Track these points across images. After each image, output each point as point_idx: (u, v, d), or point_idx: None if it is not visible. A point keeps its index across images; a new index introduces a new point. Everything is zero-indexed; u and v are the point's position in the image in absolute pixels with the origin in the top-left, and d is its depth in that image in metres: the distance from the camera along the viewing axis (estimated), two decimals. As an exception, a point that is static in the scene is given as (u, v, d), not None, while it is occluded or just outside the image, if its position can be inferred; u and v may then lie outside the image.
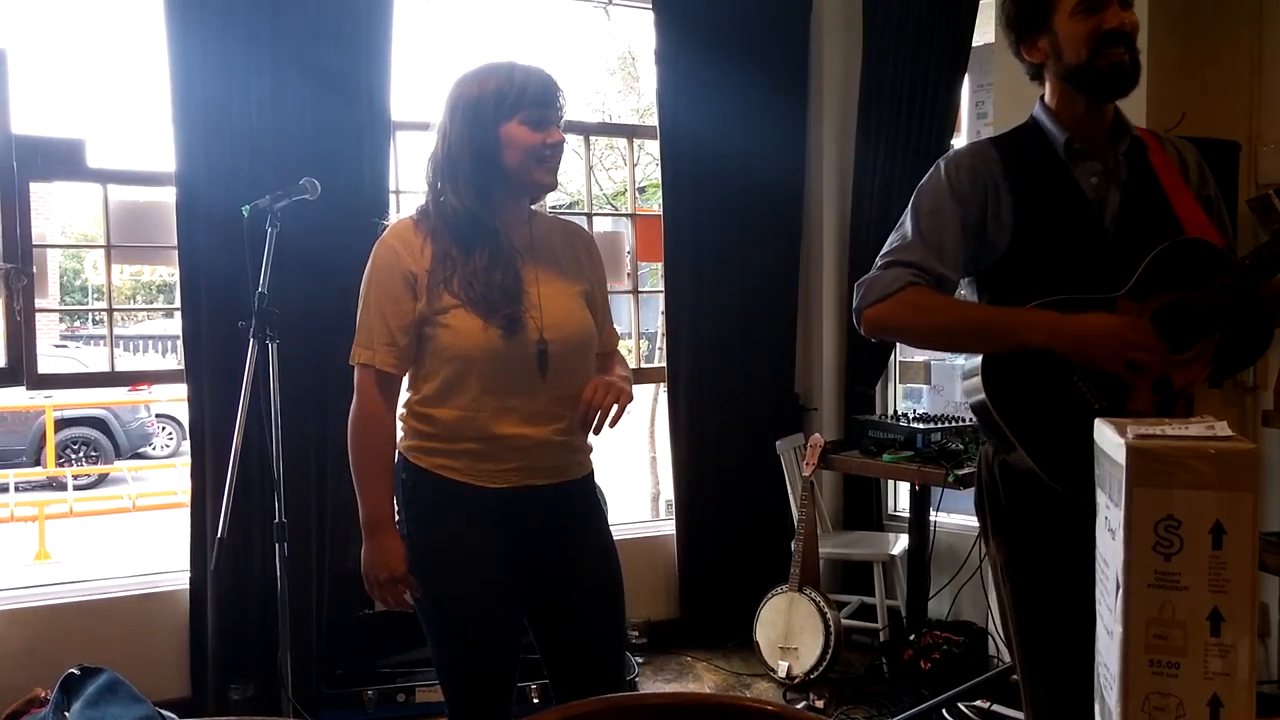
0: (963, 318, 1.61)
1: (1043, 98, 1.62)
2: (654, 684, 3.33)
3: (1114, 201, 1.56)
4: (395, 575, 1.63)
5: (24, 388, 3.08)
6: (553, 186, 1.67)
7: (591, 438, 1.68)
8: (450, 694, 1.70)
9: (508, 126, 1.58)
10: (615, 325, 1.86)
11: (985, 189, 1.59)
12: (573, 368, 1.66)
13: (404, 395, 1.70)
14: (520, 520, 1.65)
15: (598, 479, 1.83)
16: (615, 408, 1.58)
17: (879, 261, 1.65)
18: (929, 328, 1.63)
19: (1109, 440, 0.86)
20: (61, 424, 8.07)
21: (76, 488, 7.48)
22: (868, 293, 1.62)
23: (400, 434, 1.69)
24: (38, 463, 8.37)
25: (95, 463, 8.59)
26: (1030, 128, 1.62)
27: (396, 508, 1.69)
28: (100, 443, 8.85)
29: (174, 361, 6.92)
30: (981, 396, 1.55)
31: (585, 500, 1.75)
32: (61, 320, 12.84)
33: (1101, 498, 0.90)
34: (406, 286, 1.60)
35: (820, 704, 3.09)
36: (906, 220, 1.64)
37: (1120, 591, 0.81)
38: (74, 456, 8.43)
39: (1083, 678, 1.32)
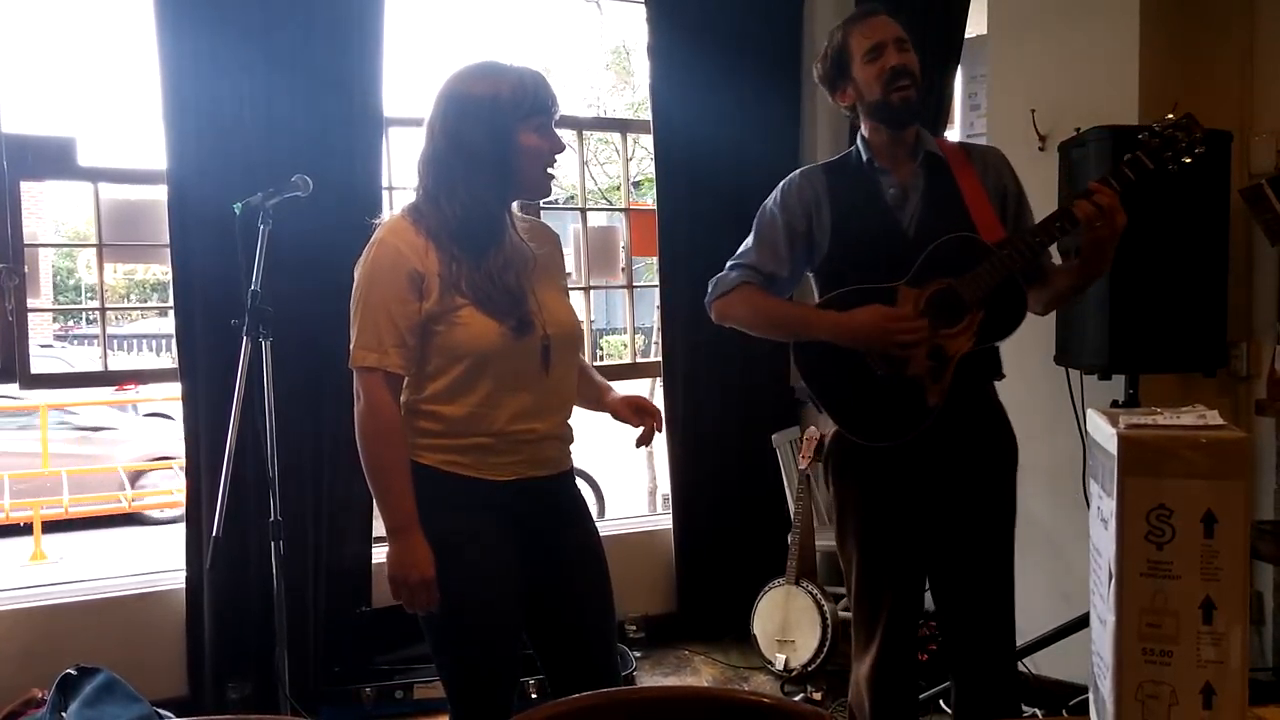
0: (776, 315, 2.00)
1: (861, 130, 1.98)
2: (652, 678, 3.33)
3: (914, 207, 1.91)
4: (425, 579, 1.60)
5: (17, 387, 3.07)
6: (549, 192, 1.72)
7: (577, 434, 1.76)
8: (452, 687, 1.71)
9: (524, 134, 1.60)
10: (600, 320, 1.90)
11: (809, 201, 1.98)
12: (568, 362, 1.71)
13: (405, 394, 1.68)
14: (522, 511, 1.67)
15: (585, 474, 1.87)
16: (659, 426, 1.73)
17: (728, 264, 2.06)
18: (755, 321, 2.02)
19: (1102, 431, 0.86)
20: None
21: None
22: (714, 289, 2.04)
23: None
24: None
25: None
26: (851, 153, 2.00)
27: None
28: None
29: (168, 360, 6.91)
30: (797, 372, 2.02)
31: (572, 494, 1.79)
32: (55, 320, 12.80)
33: (1094, 488, 0.91)
34: (412, 286, 1.59)
35: (818, 696, 3.10)
36: (751, 232, 2.05)
37: (1113, 580, 0.81)
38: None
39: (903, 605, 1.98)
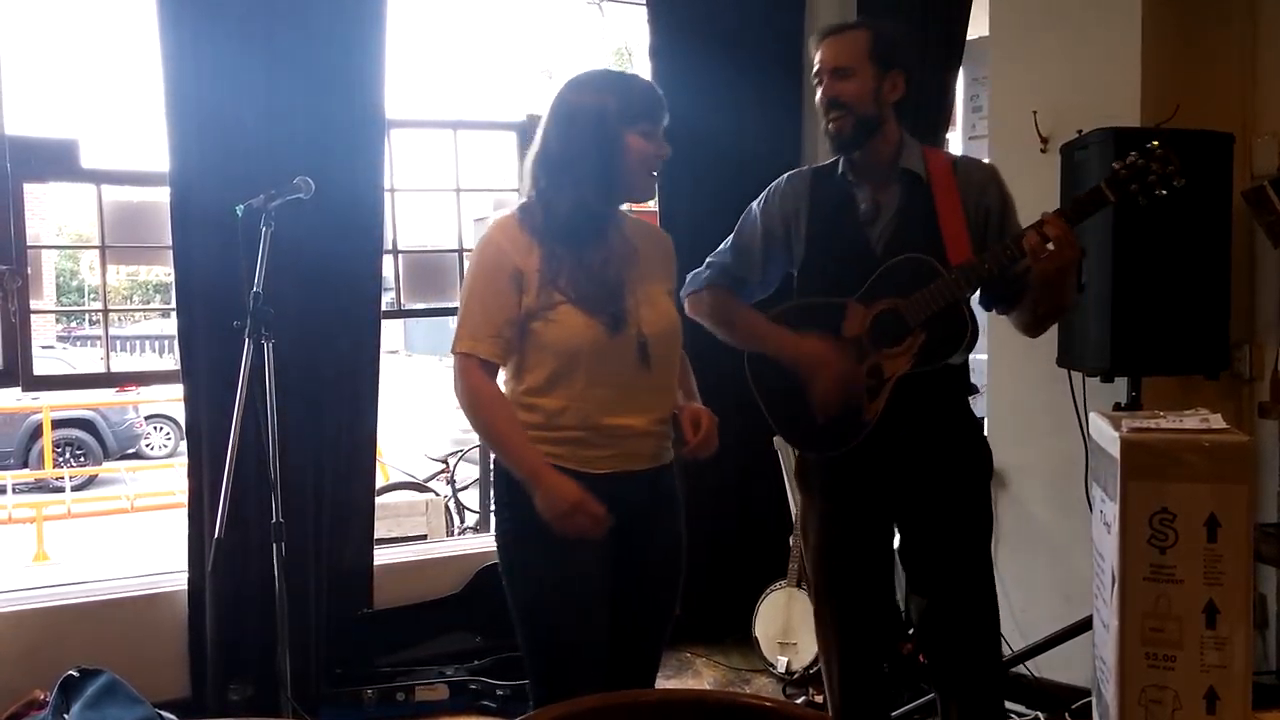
0: (733, 321, 2.06)
1: None
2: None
3: (885, 224, 1.92)
4: (575, 501, 1.63)
5: (20, 389, 3.08)
6: (653, 195, 1.83)
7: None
8: (535, 669, 1.77)
9: (629, 135, 1.70)
10: None
11: (789, 209, 2.01)
12: (668, 360, 1.78)
13: (508, 386, 1.76)
14: (616, 504, 1.71)
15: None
16: (711, 448, 1.74)
17: (706, 260, 2.12)
18: (714, 323, 2.09)
19: (1104, 434, 0.86)
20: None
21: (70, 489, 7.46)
22: (687, 284, 2.11)
23: None
24: (25, 464, 8.35)
25: (82, 464, 8.56)
26: (838, 161, 1.99)
27: (494, 500, 1.79)
28: (88, 444, 8.82)
29: (170, 361, 6.92)
30: (749, 378, 2.10)
31: (666, 488, 1.83)
32: (58, 321, 12.82)
33: (1096, 491, 0.91)
34: (512, 282, 1.68)
35: (819, 699, 3.09)
36: (734, 230, 2.10)
37: (1115, 585, 0.81)
38: (60, 459, 8.39)
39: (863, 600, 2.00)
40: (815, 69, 1.92)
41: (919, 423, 1.91)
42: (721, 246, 2.12)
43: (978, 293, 1.95)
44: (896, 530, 2.03)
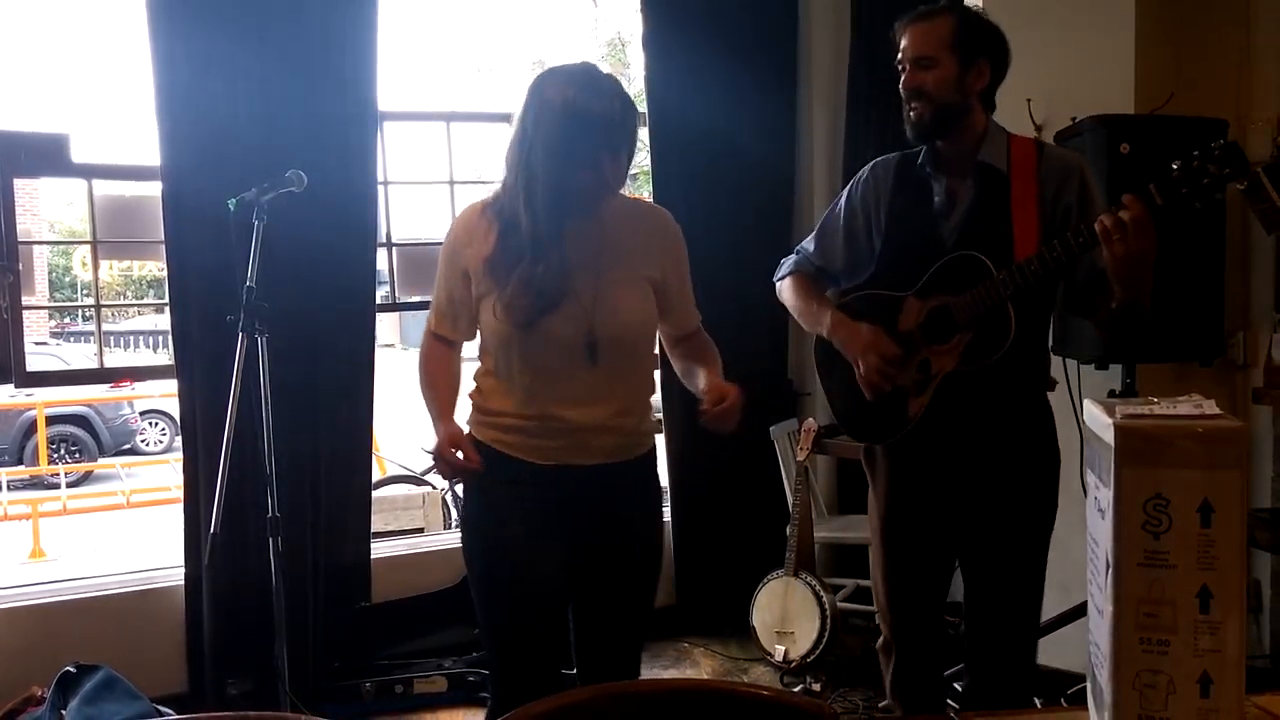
0: (801, 305, 2.03)
1: None
2: (651, 670, 3.34)
3: (958, 218, 1.87)
4: (451, 436, 1.67)
5: (13, 386, 3.07)
6: (590, 214, 1.72)
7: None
8: (489, 657, 1.80)
9: (596, 160, 1.61)
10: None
11: (870, 198, 1.97)
12: (627, 354, 1.74)
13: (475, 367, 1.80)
14: (567, 496, 1.72)
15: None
16: (731, 423, 1.70)
17: (796, 247, 2.11)
18: (792, 309, 2.07)
19: (1098, 421, 0.86)
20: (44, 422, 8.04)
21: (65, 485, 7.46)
22: (777, 270, 2.12)
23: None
24: (19, 461, 8.33)
25: (78, 460, 8.55)
26: (921, 151, 1.93)
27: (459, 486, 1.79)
28: (83, 440, 8.81)
29: (165, 357, 6.89)
30: (814, 359, 2.09)
31: (638, 480, 1.80)
32: (51, 317, 12.78)
33: (1091, 478, 0.91)
34: (460, 270, 1.72)
35: (817, 687, 3.11)
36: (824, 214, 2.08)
37: (1110, 571, 0.81)
38: (55, 455, 8.38)
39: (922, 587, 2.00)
40: (899, 55, 1.85)
41: (980, 420, 1.88)
42: (811, 232, 2.10)
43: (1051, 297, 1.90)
44: (957, 523, 1.99)
